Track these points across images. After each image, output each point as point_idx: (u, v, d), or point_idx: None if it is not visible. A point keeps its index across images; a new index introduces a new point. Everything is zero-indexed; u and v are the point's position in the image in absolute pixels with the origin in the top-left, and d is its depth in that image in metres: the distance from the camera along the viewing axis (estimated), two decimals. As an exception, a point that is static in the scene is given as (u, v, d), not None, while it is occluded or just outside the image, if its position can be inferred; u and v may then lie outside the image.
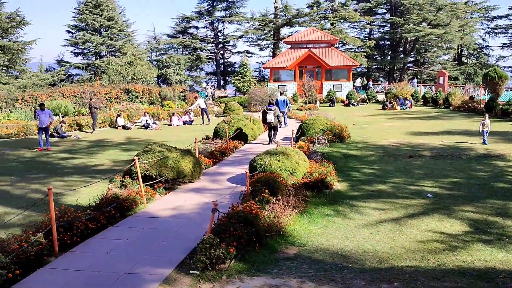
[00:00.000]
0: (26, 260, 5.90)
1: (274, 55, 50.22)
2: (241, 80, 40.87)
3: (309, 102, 33.67)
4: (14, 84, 31.09)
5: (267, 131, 17.57)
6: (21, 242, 6.14)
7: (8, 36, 32.16)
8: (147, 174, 9.80)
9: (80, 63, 45.87)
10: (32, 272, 5.85)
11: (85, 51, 46.58)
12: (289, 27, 51.98)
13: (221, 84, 53.66)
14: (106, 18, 44.88)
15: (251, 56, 54.17)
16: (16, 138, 19.59)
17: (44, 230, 6.53)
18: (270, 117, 16.49)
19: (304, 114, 26.01)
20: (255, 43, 54.96)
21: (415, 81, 44.96)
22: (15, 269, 5.60)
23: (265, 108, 17.00)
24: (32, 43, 32.85)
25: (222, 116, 26.99)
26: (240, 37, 53.36)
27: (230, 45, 55.35)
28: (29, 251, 6.00)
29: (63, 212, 7.11)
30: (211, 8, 52.43)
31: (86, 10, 44.40)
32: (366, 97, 36.97)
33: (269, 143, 16.72)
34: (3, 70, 32.21)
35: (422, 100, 34.80)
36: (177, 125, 24.85)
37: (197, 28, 54.42)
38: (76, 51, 46.72)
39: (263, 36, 53.54)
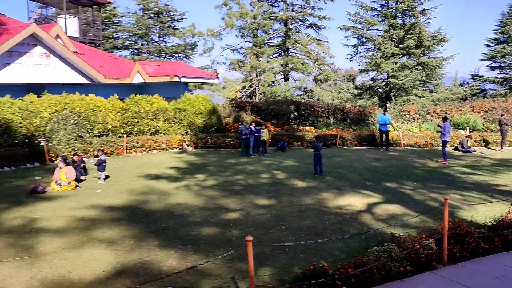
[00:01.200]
0: (417, 260, 6.41)
1: None
2: None
3: None
4: (428, 98, 33.26)
5: None
6: (414, 243, 6.72)
7: (428, 53, 34.64)
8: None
9: (496, 78, 43.95)
10: (420, 272, 6.29)
11: (503, 64, 44.27)
12: None
13: None
14: (533, 28, 41.08)
15: None
16: (423, 148, 20.95)
17: (436, 237, 6.87)
18: None
19: None
20: None
21: None
22: (407, 265, 6.20)
23: None
24: (449, 59, 34.10)
25: None
26: None
27: None
28: (420, 253, 6.50)
29: (456, 224, 7.25)
30: None
31: (510, 21, 42.04)
32: None
33: None
34: (421, 85, 34.98)
35: None
36: None
37: None
38: (493, 65, 45.08)
39: None
